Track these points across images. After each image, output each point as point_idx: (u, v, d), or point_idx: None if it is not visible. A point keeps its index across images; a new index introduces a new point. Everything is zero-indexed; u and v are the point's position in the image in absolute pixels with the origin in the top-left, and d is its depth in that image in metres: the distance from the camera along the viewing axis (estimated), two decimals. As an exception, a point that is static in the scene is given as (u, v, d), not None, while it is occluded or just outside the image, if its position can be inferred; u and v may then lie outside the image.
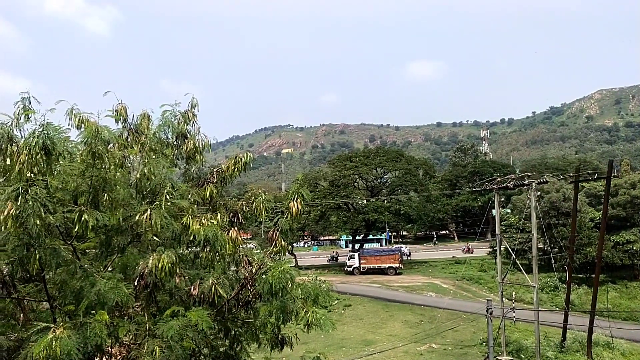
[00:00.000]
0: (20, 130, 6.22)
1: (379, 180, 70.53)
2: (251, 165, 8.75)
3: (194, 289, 6.78)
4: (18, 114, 6.22)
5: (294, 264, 58.43)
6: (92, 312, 5.67)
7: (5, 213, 5.10)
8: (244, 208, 8.28)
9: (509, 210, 59.53)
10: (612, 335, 27.91)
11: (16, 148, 5.69)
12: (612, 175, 28.70)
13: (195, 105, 8.40)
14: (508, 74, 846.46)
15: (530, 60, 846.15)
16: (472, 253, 65.96)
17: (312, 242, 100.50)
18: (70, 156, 6.09)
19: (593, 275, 32.50)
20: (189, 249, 7.52)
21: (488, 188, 33.37)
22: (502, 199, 52.26)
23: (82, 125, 6.61)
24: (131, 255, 6.72)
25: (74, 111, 6.75)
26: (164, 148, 8.08)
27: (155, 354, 5.76)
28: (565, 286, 31.78)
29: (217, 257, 7.26)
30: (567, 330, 29.25)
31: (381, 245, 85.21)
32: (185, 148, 8.25)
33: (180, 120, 8.22)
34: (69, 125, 6.64)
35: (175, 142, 8.32)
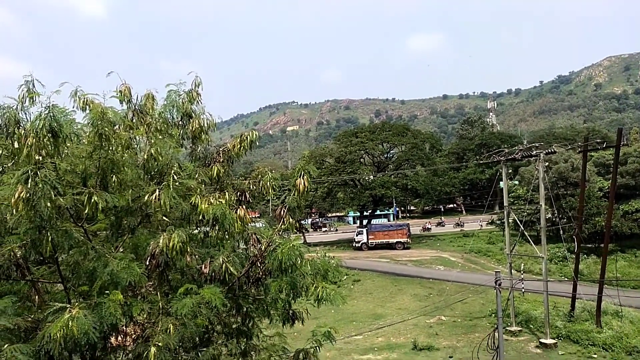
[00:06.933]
0: (25, 113, 6.24)
1: (385, 156, 70.30)
2: (257, 143, 8.69)
3: (205, 267, 6.85)
4: (23, 98, 6.21)
5: (302, 241, 58.83)
6: (106, 292, 5.74)
7: (16, 196, 5.12)
8: (251, 186, 8.28)
9: (516, 182, 59.23)
10: (621, 303, 27.96)
11: (23, 131, 5.70)
12: (622, 143, 28.28)
13: (199, 85, 8.29)
14: (514, 43, 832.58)
15: (537, 28, 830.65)
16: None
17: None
18: (77, 138, 6.09)
19: (602, 245, 32.44)
20: (198, 228, 7.57)
21: (495, 160, 33.17)
22: (510, 171, 51.89)
23: (87, 107, 6.57)
24: (141, 235, 6.78)
25: (78, 93, 6.70)
26: (169, 128, 8.06)
27: (170, 331, 5.85)
28: (573, 256, 31.77)
29: (227, 236, 7.31)
30: (576, 299, 29.32)
31: (389, 221, 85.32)
32: (190, 128, 8.20)
33: (184, 99, 8.15)
34: (73, 107, 6.59)
35: (180, 122, 8.28)
